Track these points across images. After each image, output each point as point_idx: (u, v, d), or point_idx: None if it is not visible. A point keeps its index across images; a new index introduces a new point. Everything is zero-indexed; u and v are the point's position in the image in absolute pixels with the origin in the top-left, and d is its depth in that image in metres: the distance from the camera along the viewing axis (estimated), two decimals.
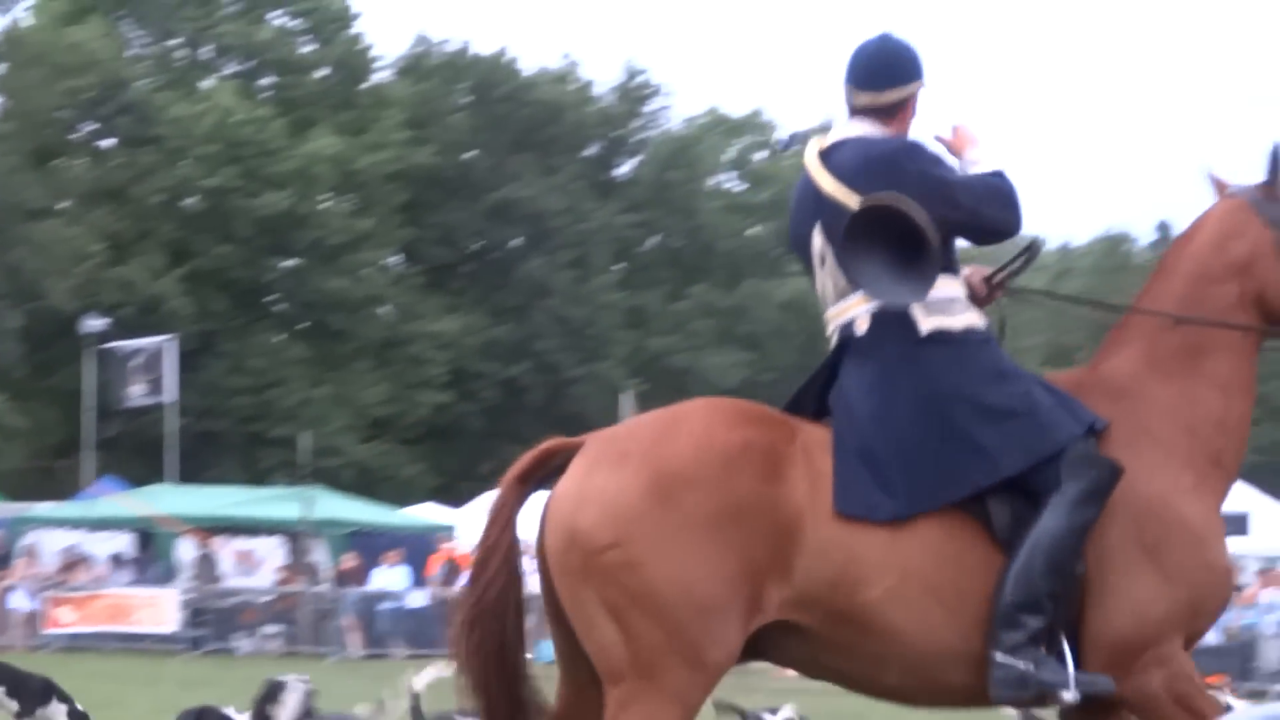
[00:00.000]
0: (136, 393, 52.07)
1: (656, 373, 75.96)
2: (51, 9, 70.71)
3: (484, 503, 47.89)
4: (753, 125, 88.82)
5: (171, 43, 78.44)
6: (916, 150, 8.03)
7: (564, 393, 75.69)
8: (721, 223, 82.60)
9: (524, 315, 75.90)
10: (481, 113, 78.92)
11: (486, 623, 7.75)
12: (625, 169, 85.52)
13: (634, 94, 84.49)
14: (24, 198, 63.47)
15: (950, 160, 8.09)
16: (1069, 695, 7.56)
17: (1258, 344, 8.31)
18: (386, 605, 42.22)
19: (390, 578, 42.59)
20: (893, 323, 7.86)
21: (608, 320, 77.65)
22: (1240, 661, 33.85)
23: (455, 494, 60.31)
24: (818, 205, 8.04)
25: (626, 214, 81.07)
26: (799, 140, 8.47)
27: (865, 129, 8.06)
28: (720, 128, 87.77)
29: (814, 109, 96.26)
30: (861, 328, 7.95)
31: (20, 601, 41.32)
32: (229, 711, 10.97)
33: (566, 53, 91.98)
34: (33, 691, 14.51)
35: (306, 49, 78.26)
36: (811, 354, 77.37)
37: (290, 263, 73.11)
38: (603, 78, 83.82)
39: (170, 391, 51.86)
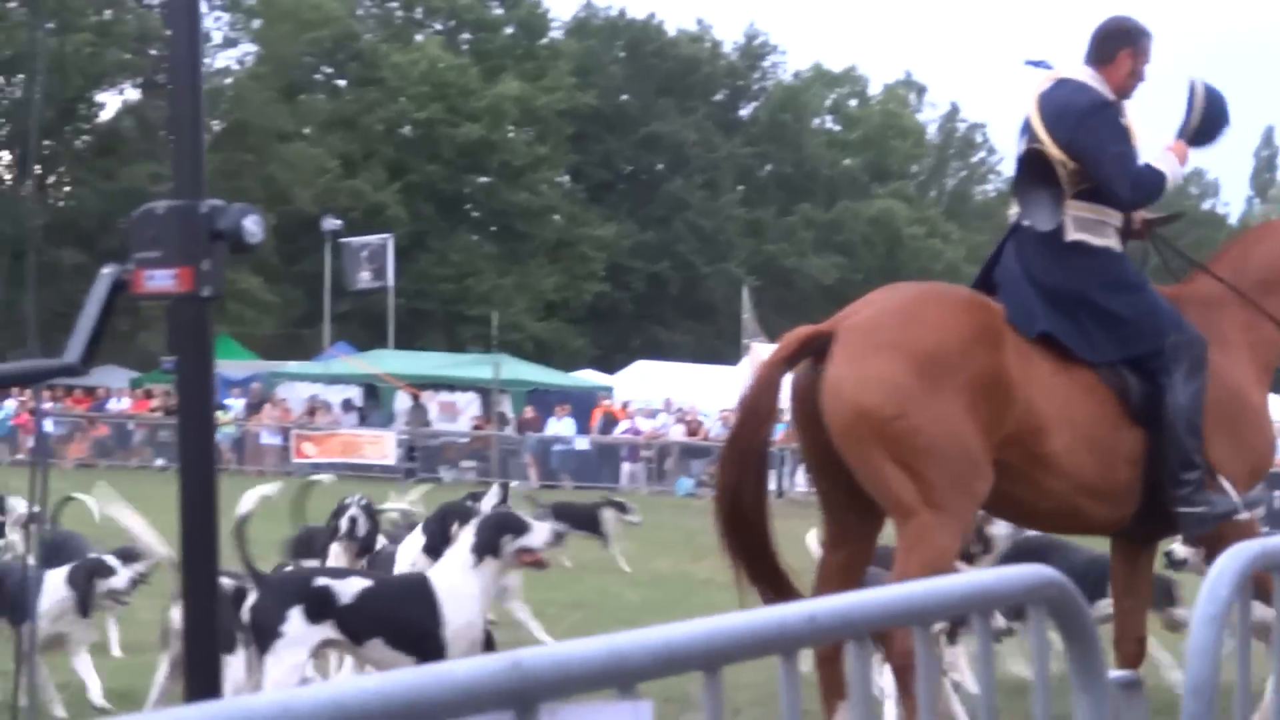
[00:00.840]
0: (364, 278, 51.78)
1: (769, 272, 76.55)
2: None
3: (634, 369, 47.92)
4: (848, 78, 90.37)
5: (391, 4, 78.61)
6: (1096, 112, 8.20)
7: (696, 285, 76.07)
8: (822, 155, 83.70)
9: (665, 224, 76.22)
10: (633, 64, 79.40)
11: (738, 464, 8.00)
12: (746, 111, 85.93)
13: (754, 51, 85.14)
14: (276, 124, 63.42)
15: (1133, 132, 8.38)
16: (1243, 515, 7.97)
17: None
18: (558, 447, 42.00)
19: (561, 426, 42.33)
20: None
21: (732, 229, 77.97)
22: None
23: (610, 363, 60.35)
24: (1025, 125, 8.41)
25: (747, 147, 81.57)
26: (1042, 66, 8.61)
27: (1087, 74, 8.37)
28: (822, 79, 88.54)
29: (899, 63, 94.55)
30: (1027, 222, 8.30)
31: (272, 438, 41.11)
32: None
33: (701, 17, 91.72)
34: None
35: (496, 11, 78.35)
36: (892, 259, 77.71)
37: (483, 179, 73.20)
38: (730, 37, 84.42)
39: (390, 277, 51.53)
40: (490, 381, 44.69)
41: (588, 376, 53.37)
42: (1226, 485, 7.94)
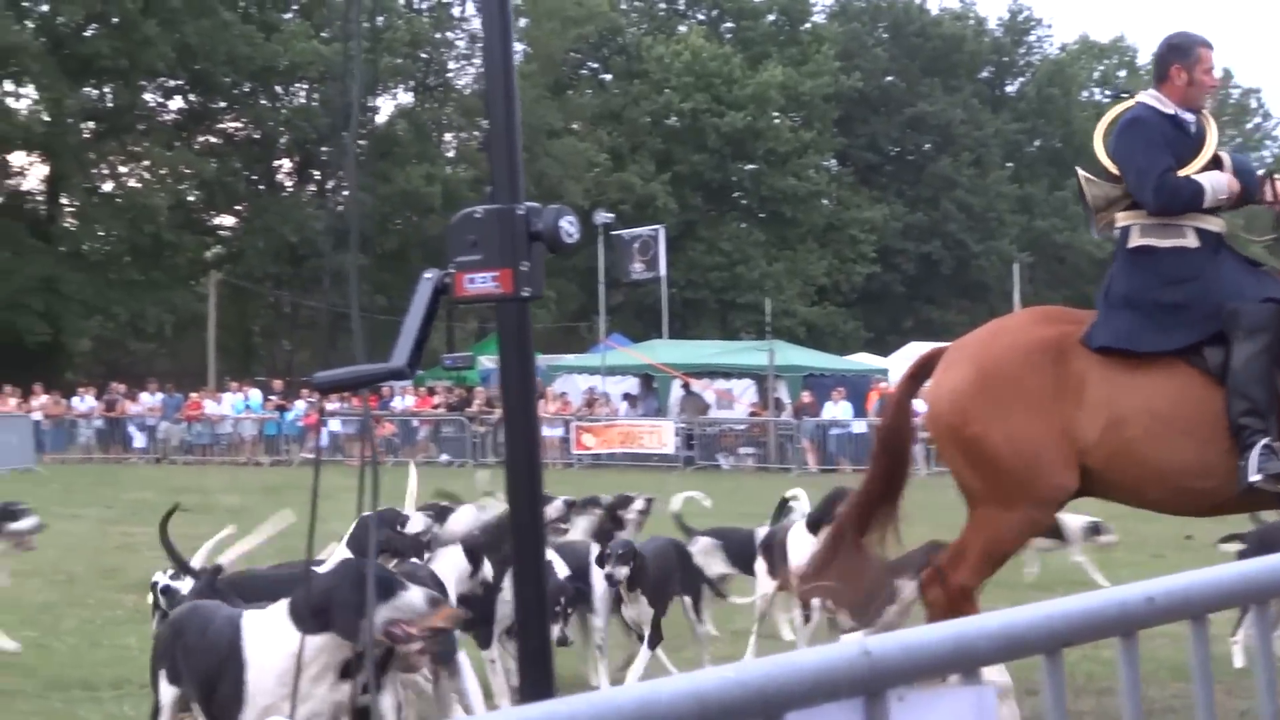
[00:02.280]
0: (636, 270, 52.09)
1: (1041, 248, 75.80)
2: None
3: (908, 351, 47.52)
4: (1116, 49, 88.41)
5: None
6: (1127, 128, 8.92)
7: (968, 264, 75.52)
8: (1091, 127, 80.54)
9: (934, 204, 75.80)
10: (897, 45, 79.00)
11: (886, 458, 9.15)
12: (1013, 87, 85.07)
13: (1019, 26, 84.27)
14: (545, 121, 64.15)
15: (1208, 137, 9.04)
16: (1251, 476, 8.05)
17: None
18: (835, 431, 41.86)
19: (837, 410, 42.17)
20: (1124, 234, 8.75)
21: (1002, 207, 77.34)
22: None
23: (884, 345, 60.16)
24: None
25: (1014, 123, 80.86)
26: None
27: (1150, 94, 9.12)
28: (1090, 51, 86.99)
29: (1167, 31, 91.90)
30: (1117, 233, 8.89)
31: (552, 430, 41.63)
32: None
33: None
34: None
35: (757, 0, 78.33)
36: None
37: (750, 167, 73.20)
38: (993, 14, 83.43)
39: (662, 268, 51.81)
40: (765, 368, 44.78)
41: (862, 359, 53.18)
42: (1269, 447, 8.10)
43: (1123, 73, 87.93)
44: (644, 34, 74.81)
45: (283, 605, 5.33)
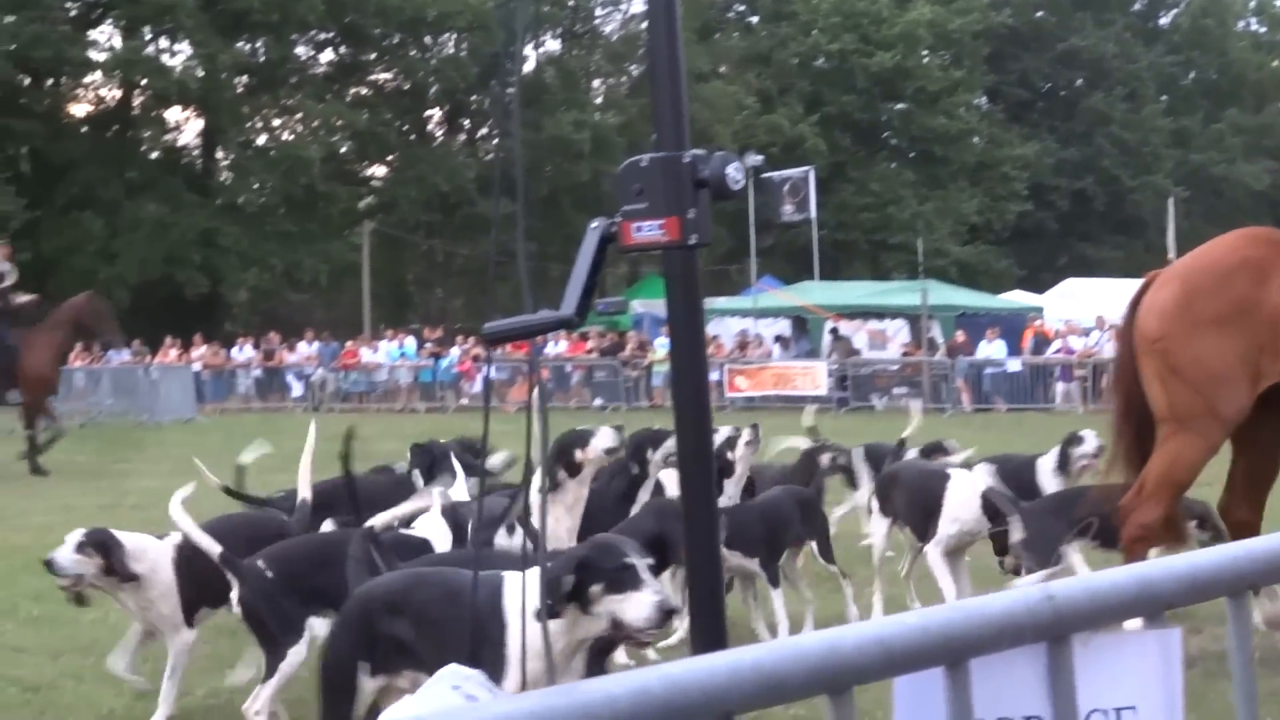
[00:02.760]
0: (786, 211, 51.88)
1: (1197, 181, 74.63)
2: None
3: (1062, 289, 46.95)
4: None
5: None
6: None
7: (1122, 200, 74.52)
8: (1248, 58, 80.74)
9: (1087, 139, 74.83)
10: None
11: (1120, 382, 9.14)
12: (1166, 19, 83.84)
13: None
14: (693, 65, 63.92)
15: None
16: None
17: None
18: (990, 370, 41.47)
19: (992, 349, 41.79)
20: None
21: (1156, 141, 76.29)
22: None
23: (1038, 283, 59.49)
24: None
25: (1168, 55, 79.74)
26: None
27: None
28: None
29: None
30: None
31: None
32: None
33: None
34: None
35: None
36: None
37: (899, 106, 72.62)
38: None
39: (812, 209, 51.57)
40: (918, 308, 44.49)
41: (1016, 298, 52.67)
42: None
43: (1279, 1, 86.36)
44: None
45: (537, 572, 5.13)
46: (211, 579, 7.91)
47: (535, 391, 4.34)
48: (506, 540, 8.61)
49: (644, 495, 9.29)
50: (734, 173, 3.67)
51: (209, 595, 8.14)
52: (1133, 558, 8.20)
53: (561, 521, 8.56)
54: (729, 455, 10.25)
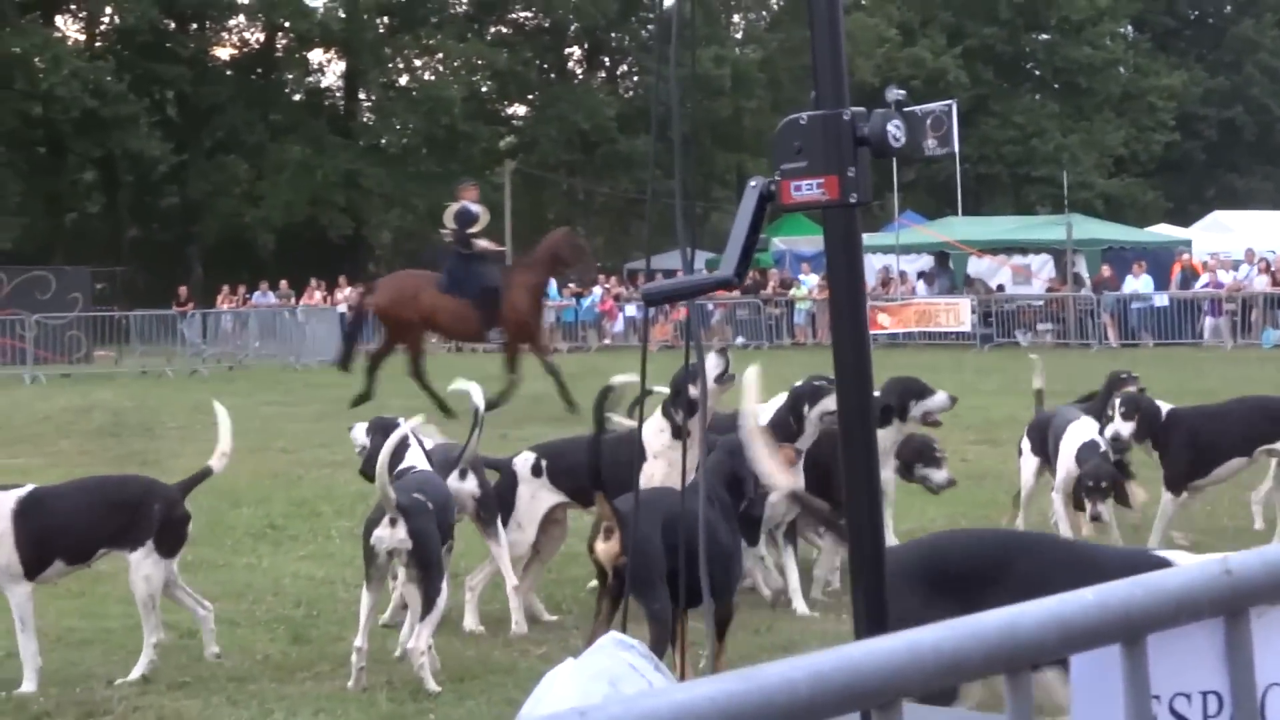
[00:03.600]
0: (929, 146, 50.44)
1: None
2: None
3: (1210, 221, 46.27)
4: None
5: None
6: None
7: (1272, 130, 73.21)
8: None
9: (1236, 68, 73.38)
10: None
11: None
12: None
13: None
14: None
15: None
16: None
17: None
18: (1136, 305, 40.94)
19: (1139, 284, 41.23)
20: None
21: None
22: None
23: (1185, 216, 58.65)
24: None
25: None
26: None
27: None
28: None
29: None
30: None
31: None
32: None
33: None
34: None
35: None
36: None
37: (1043, 37, 71.62)
38: None
39: (954, 143, 50.94)
40: (1063, 242, 43.97)
41: (1163, 231, 51.91)
42: None
43: None
44: None
45: None
46: (57, 536, 8.09)
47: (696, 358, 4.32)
48: (457, 483, 8.92)
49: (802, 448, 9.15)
50: (895, 130, 3.66)
51: (53, 551, 8.15)
52: None
53: (660, 472, 8.63)
54: (805, 412, 9.36)
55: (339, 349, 25.21)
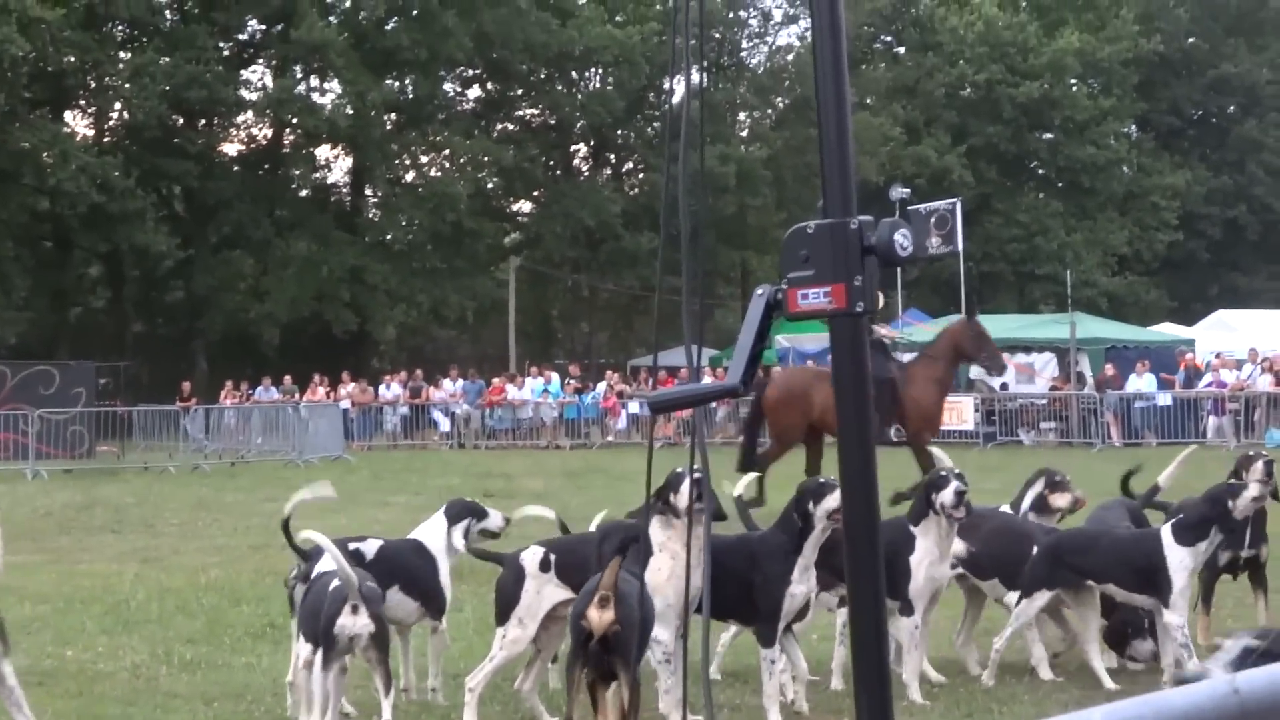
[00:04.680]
0: (933, 244, 51.50)
1: None
2: None
3: (1214, 320, 46.26)
4: None
5: None
6: None
7: (1276, 228, 73.57)
8: None
9: (1239, 168, 73.87)
10: (1199, 5, 77.13)
11: None
12: None
13: None
14: None
15: None
16: None
17: None
18: (1140, 404, 40.96)
19: (1142, 382, 41.27)
20: None
21: None
22: None
23: (1189, 314, 58.81)
24: None
25: None
26: None
27: None
28: None
29: None
30: None
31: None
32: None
33: None
34: None
35: None
36: None
37: (1047, 136, 72.12)
38: None
39: (959, 242, 51.22)
40: (1066, 340, 44.02)
41: (1166, 330, 52.01)
42: None
43: None
44: (937, 5, 73.95)
45: None
46: None
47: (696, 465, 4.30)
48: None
49: (809, 549, 9.16)
50: (902, 239, 3.63)
51: None
52: None
53: (666, 565, 8.67)
54: (810, 510, 9.26)
55: (742, 447, 23.23)
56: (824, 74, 3.66)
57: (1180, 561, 9.81)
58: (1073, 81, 71.81)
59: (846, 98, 3.67)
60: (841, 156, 3.68)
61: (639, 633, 7.86)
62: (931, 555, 9.87)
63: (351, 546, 9.36)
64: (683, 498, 8.60)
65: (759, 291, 3.71)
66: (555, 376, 47.85)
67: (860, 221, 3.63)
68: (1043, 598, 10.20)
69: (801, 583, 9.08)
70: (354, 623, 8.14)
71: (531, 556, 9.29)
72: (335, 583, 8.35)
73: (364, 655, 8.37)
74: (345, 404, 44.92)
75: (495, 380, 48.07)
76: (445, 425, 45.97)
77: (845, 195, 3.67)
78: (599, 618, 7.65)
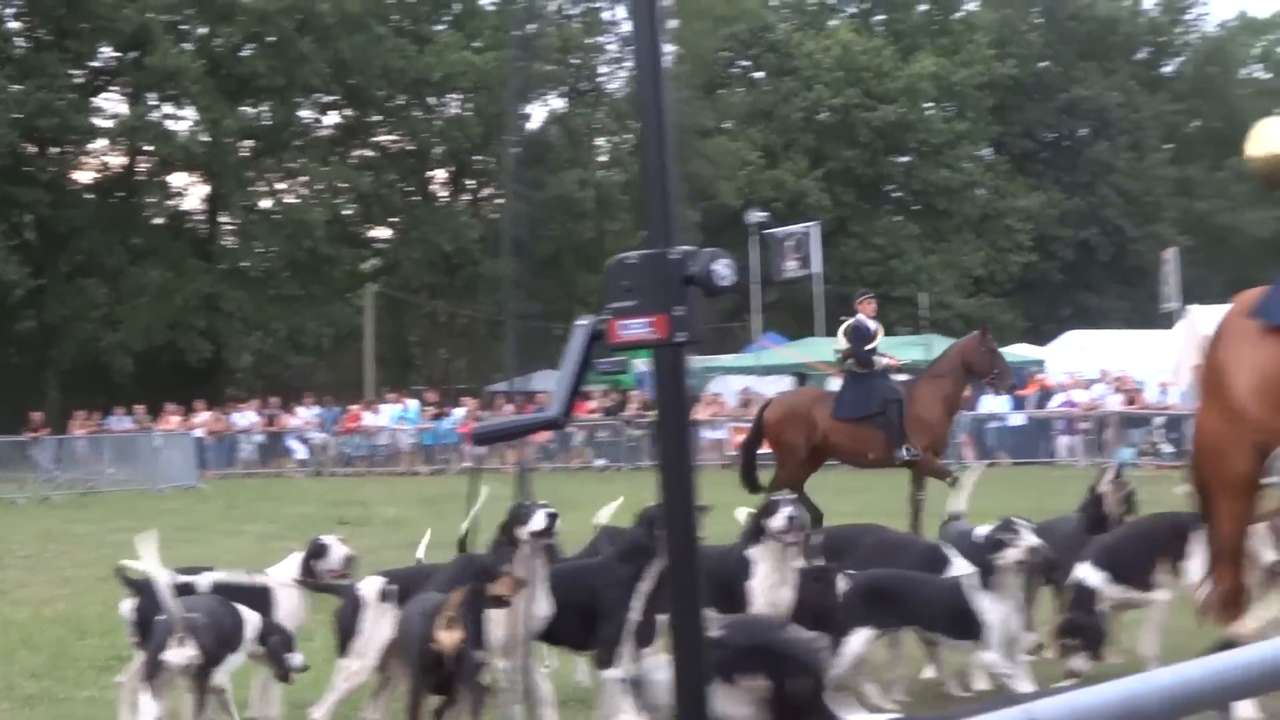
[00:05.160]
0: (790, 267, 52.07)
1: (1202, 230, 74.89)
2: None
3: (1066, 340, 46.79)
4: (1276, 24, 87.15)
5: None
6: None
7: (1126, 250, 74.75)
8: (1252, 105, 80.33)
9: (1091, 189, 75.30)
10: (1051, 30, 78.40)
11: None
12: (1170, 67, 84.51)
13: (1175, 5, 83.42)
14: (696, 121, 64.24)
15: None
16: None
17: None
18: (993, 424, 41.42)
19: (995, 402, 41.68)
20: None
21: (1160, 190, 76.88)
22: None
23: (1041, 335, 59.63)
24: None
25: (1172, 104, 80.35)
26: None
27: None
28: (1249, 28, 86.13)
29: None
30: None
31: (711, 432, 41.63)
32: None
33: None
34: None
35: None
36: None
37: (903, 160, 72.94)
38: None
39: (815, 265, 51.74)
40: (922, 362, 44.38)
41: (1020, 350, 52.52)
42: None
43: None
44: (794, 30, 74.72)
45: None
46: None
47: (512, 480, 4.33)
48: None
49: (652, 573, 9.17)
50: (722, 269, 3.66)
51: None
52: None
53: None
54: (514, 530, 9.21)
55: (741, 468, 22.64)
56: (645, 106, 3.69)
57: (988, 603, 9.69)
58: (928, 105, 72.61)
59: (668, 129, 3.70)
60: (663, 187, 3.71)
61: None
62: (771, 580, 9.88)
63: (182, 580, 9.29)
64: (527, 530, 8.63)
65: (581, 322, 3.74)
66: (413, 402, 47.61)
67: (682, 252, 3.66)
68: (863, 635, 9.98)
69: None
70: (180, 653, 8.22)
71: (369, 587, 9.22)
72: (161, 616, 8.40)
73: (189, 684, 8.45)
74: (199, 432, 44.41)
75: (352, 407, 47.74)
76: (301, 453, 45.59)
77: (666, 225, 3.70)
78: (449, 638, 7.73)
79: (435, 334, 70.50)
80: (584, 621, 9.09)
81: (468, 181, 69.72)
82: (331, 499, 31.16)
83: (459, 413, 45.78)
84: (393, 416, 46.02)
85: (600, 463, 41.68)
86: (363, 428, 45.76)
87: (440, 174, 69.82)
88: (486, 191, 69.46)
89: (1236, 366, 8.16)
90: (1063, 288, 75.14)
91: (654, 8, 3.73)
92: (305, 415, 47.06)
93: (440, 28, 64.58)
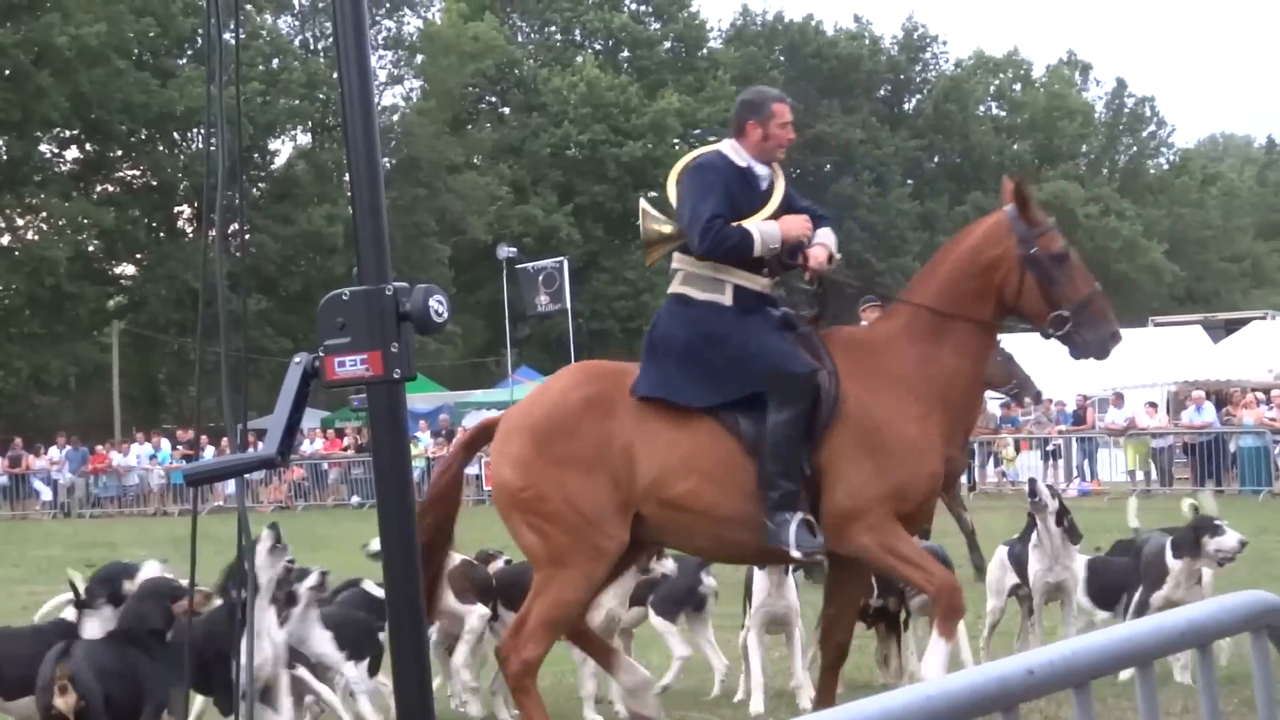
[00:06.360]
0: (542, 302, 51.98)
1: None
2: (455, 9, 71.51)
3: None
4: (1010, 62, 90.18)
5: (550, 29, 79.31)
6: (692, 172, 8.82)
7: (871, 283, 75.55)
8: (990, 142, 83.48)
9: (836, 224, 75.75)
10: (794, 67, 79.80)
11: (431, 530, 8.77)
12: (910, 104, 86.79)
13: (914, 44, 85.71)
14: (445, 156, 64.13)
15: (775, 191, 9.02)
16: (794, 552, 8.23)
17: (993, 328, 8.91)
18: None
19: None
20: (671, 277, 8.84)
21: (903, 224, 78.22)
22: None
23: None
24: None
25: (913, 140, 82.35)
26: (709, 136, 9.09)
27: (729, 145, 8.95)
28: (985, 66, 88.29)
29: (1061, 43, 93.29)
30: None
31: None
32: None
33: (859, 14, 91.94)
34: None
35: (654, 27, 78.85)
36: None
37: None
38: (889, 32, 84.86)
39: (567, 299, 51.80)
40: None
41: None
42: (806, 522, 8.26)
43: (1018, 86, 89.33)
44: (540, 66, 75.05)
45: None
46: None
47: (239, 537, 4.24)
48: None
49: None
50: (436, 305, 3.65)
51: None
52: (521, 696, 8.55)
53: None
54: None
55: None
56: (355, 142, 3.67)
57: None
58: (675, 141, 73.19)
59: (378, 165, 3.69)
60: (375, 223, 3.68)
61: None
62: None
63: None
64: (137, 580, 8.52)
65: (296, 360, 3.69)
66: (164, 441, 46.70)
67: (395, 288, 3.63)
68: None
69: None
70: (64, 702, 7.99)
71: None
72: None
73: None
74: None
75: (99, 447, 46.68)
76: (47, 494, 44.47)
77: (380, 262, 3.67)
78: (65, 704, 7.77)
79: (184, 372, 69.24)
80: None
81: (214, 217, 68.62)
82: (79, 541, 30.45)
83: (210, 452, 45.02)
84: (142, 456, 45.09)
85: (355, 500, 41.27)
86: (111, 468, 44.77)
87: (185, 209, 68.69)
88: (233, 226, 68.38)
89: (640, 437, 8.67)
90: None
91: (361, 45, 3.70)
92: (52, 456, 45.90)
93: (182, 62, 63.59)
